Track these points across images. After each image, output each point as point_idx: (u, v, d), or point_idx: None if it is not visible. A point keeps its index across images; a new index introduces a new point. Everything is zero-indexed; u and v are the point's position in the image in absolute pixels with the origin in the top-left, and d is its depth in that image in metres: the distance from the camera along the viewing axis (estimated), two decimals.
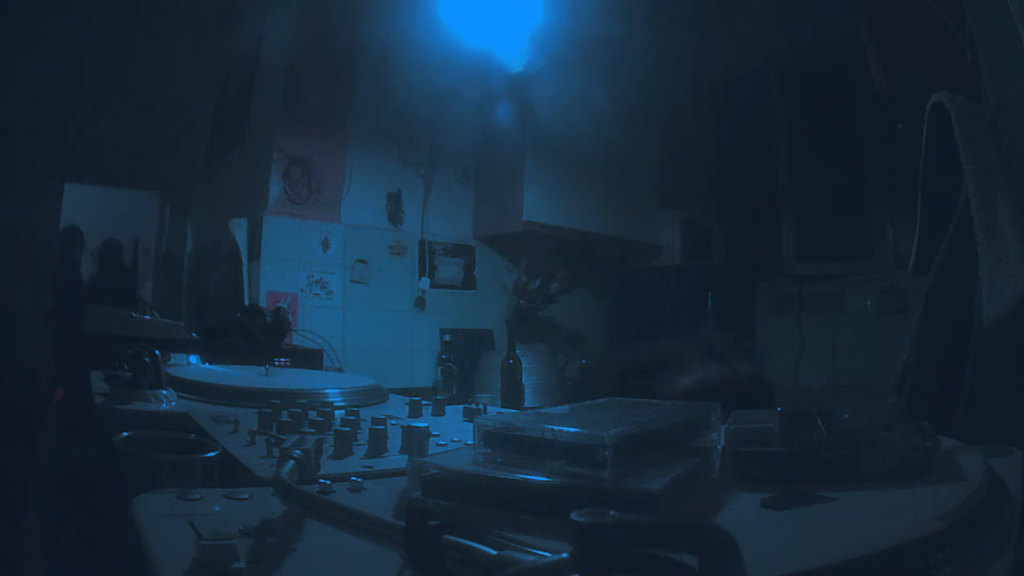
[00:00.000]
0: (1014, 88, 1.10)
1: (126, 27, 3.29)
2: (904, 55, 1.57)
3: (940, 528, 0.44)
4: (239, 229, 2.99)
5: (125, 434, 0.76)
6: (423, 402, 1.07)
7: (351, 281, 3.18)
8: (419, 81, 3.21)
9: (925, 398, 1.16)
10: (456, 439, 0.82)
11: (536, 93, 3.36)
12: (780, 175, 3.84)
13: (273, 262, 2.96)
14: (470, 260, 3.60)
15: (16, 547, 1.13)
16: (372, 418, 0.80)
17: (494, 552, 0.38)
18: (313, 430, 0.84)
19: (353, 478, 0.57)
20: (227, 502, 0.52)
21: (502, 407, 1.46)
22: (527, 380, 3.12)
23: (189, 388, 1.16)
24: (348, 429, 0.77)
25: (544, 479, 0.48)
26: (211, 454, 0.73)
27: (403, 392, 1.36)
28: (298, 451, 0.58)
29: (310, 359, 2.58)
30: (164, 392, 1.09)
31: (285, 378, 1.46)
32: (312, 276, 3.06)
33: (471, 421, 0.88)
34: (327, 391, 1.18)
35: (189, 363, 1.51)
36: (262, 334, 2.57)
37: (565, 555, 0.32)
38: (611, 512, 0.32)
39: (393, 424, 0.82)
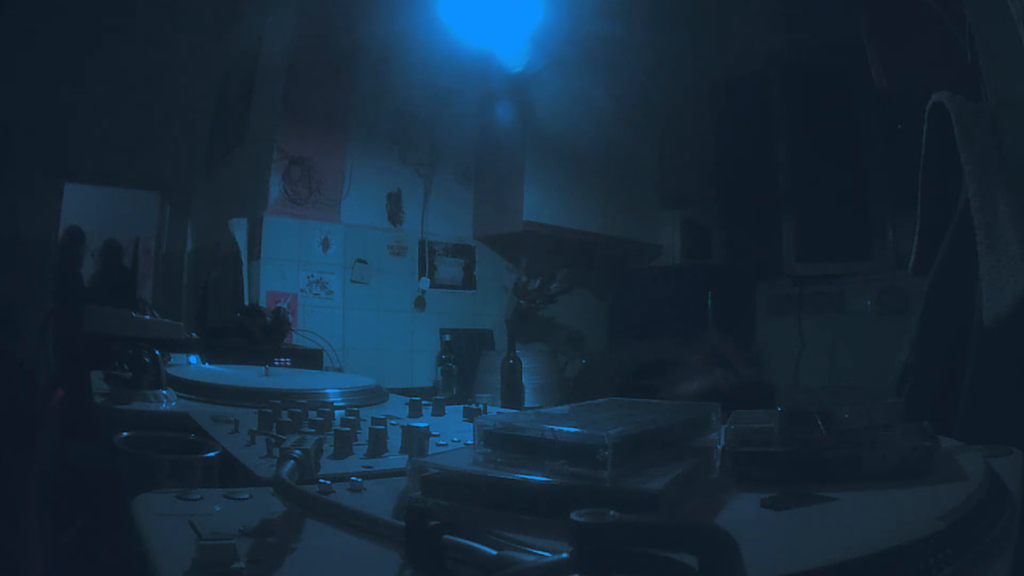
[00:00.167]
0: (1014, 88, 1.10)
1: (126, 27, 3.29)
2: (904, 55, 1.57)
3: (940, 528, 0.44)
4: (239, 229, 2.99)
5: (125, 434, 0.76)
6: (423, 402, 1.07)
7: (351, 281, 3.18)
8: (419, 81, 3.21)
9: (925, 398, 1.16)
10: (456, 439, 0.82)
11: (536, 93, 3.36)
12: (780, 175, 3.84)
13: (273, 262, 2.96)
14: (470, 260, 3.60)
15: (16, 547, 1.13)
16: (372, 418, 0.80)
17: (494, 552, 0.38)
18: (313, 430, 0.84)
19: (353, 478, 0.57)
20: (227, 502, 0.52)
21: (502, 407, 1.46)
22: (527, 380, 3.12)
23: (189, 388, 1.16)
24: (348, 429, 0.77)
25: (544, 479, 0.48)
26: (211, 454, 0.73)
27: (403, 392, 1.36)
28: (298, 451, 0.58)
29: (310, 359, 2.58)
30: (164, 392, 1.08)
31: (285, 378, 1.46)
32: (312, 276, 3.06)
33: (471, 421, 0.88)
34: (327, 391, 1.18)
35: (189, 363, 1.51)
36: (262, 334, 2.57)
37: (565, 555, 0.32)
38: (611, 512, 0.32)
39: (393, 424, 0.82)
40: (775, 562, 0.39)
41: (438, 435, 0.82)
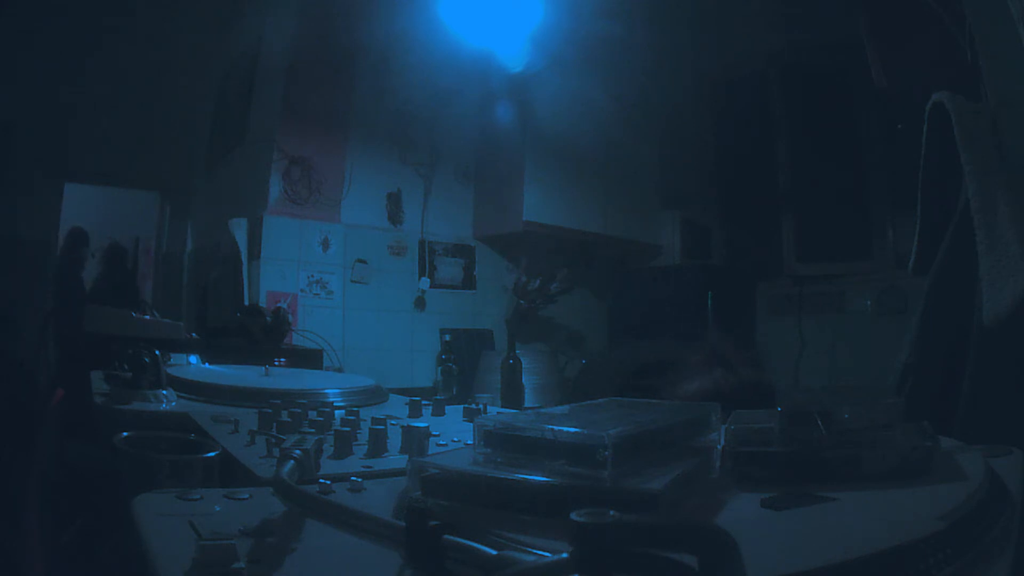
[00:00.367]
0: (1014, 88, 1.10)
1: (126, 27, 3.29)
2: (904, 55, 1.57)
3: (940, 528, 0.44)
4: (239, 229, 2.99)
5: (125, 434, 0.76)
6: (423, 402, 1.07)
7: (351, 281, 3.18)
8: (419, 81, 3.21)
9: (925, 398, 1.16)
10: (456, 439, 0.82)
11: (536, 93, 3.36)
12: (780, 175, 3.84)
13: (273, 262, 2.96)
14: (470, 260, 3.60)
15: (16, 547, 1.13)
16: (372, 418, 0.80)
17: (494, 552, 0.38)
18: (313, 430, 0.84)
19: (353, 478, 0.57)
20: (227, 502, 0.52)
21: (502, 407, 1.46)
22: (527, 380, 3.12)
23: (189, 388, 1.16)
24: (348, 429, 0.77)
25: (544, 479, 0.48)
26: (211, 454, 0.73)
27: (403, 392, 1.36)
28: (298, 451, 0.58)
29: (310, 359, 2.58)
30: (164, 392, 1.08)
31: (285, 378, 1.46)
32: (312, 276, 3.06)
33: (471, 421, 0.88)
34: (327, 391, 1.18)
35: (189, 363, 1.51)
36: (262, 334, 2.57)
37: (565, 555, 0.32)
38: (611, 512, 0.32)
39: (393, 424, 0.82)
40: (775, 562, 0.39)
41: (438, 435, 0.82)
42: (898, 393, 1.20)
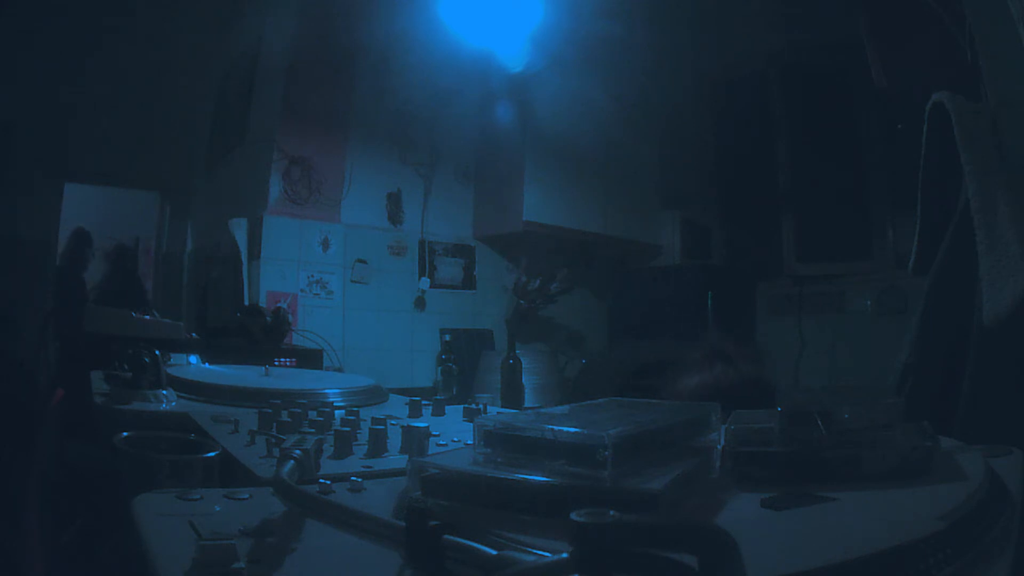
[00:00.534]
0: (1014, 88, 1.10)
1: (126, 27, 3.29)
2: (904, 55, 1.57)
3: (940, 528, 0.44)
4: (239, 229, 2.99)
5: (125, 434, 0.76)
6: (423, 402, 1.07)
7: (351, 281, 3.18)
8: (419, 81, 3.21)
9: (925, 398, 1.16)
10: (456, 439, 0.82)
11: (536, 93, 3.36)
12: (780, 175, 3.84)
13: (273, 262, 2.96)
14: (470, 260, 3.60)
15: (16, 547, 1.13)
16: (372, 418, 0.80)
17: (494, 552, 0.38)
18: (313, 430, 0.84)
19: (353, 478, 0.57)
20: (227, 502, 0.52)
21: (502, 407, 1.46)
22: (527, 380, 3.12)
23: (189, 388, 1.16)
24: (348, 429, 0.77)
25: (544, 479, 0.48)
26: (211, 454, 0.73)
27: (403, 392, 1.36)
28: (298, 451, 0.58)
29: (310, 359, 2.58)
30: (164, 392, 1.08)
31: (285, 378, 1.46)
32: (312, 276, 3.06)
33: (471, 421, 0.88)
34: (327, 391, 1.18)
35: (189, 363, 1.51)
36: (262, 334, 2.57)
37: (565, 555, 0.32)
38: (611, 512, 0.32)
39: (393, 424, 0.82)
40: (775, 562, 0.39)
41: (438, 435, 0.82)
42: (898, 393, 1.20)
